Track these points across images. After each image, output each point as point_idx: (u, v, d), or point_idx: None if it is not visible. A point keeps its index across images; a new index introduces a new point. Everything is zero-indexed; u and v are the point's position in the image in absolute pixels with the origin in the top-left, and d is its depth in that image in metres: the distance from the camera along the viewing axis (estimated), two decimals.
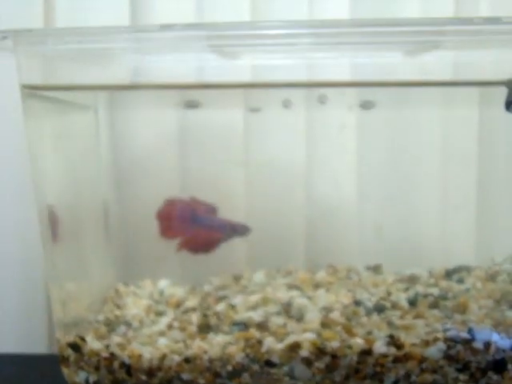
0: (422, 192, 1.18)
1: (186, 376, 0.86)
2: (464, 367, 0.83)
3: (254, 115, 1.16)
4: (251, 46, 0.97)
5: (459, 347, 0.83)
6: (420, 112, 1.15)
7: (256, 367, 0.84)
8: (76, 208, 1.00)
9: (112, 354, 0.86)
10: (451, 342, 0.83)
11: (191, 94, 1.01)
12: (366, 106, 1.10)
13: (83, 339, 0.88)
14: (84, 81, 0.92)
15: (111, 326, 0.95)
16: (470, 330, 0.84)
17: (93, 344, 0.88)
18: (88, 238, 1.04)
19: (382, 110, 1.12)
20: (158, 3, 1.16)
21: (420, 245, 1.17)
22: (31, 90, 0.85)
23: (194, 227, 1.03)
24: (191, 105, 0.99)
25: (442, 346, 0.83)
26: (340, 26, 0.90)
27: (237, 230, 1.04)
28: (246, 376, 0.85)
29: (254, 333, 0.87)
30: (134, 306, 1.02)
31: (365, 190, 1.18)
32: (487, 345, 0.83)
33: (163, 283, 1.09)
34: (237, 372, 0.85)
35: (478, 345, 0.83)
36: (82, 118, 1.03)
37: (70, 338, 0.88)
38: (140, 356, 0.86)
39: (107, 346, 0.87)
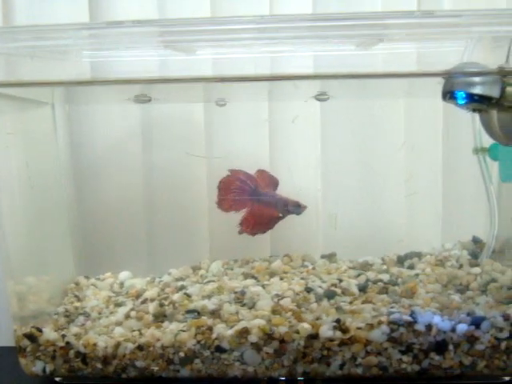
0: (386, 181, 1.20)
1: (139, 363, 0.88)
2: (407, 349, 0.86)
3: (215, 108, 1.17)
4: (205, 41, 0.99)
5: (402, 330, 0.86)
6: (383, 101, 1.18)
7: (207, 353, 0.87)
8: (35, 204, 1.01)
9: (68, 344, 0.89)
10: (394, 324, 0.86)
11: (143, 88, 1.03)
12: (323, 98, 1.11)
13: (39, 330, 0.90)
14: (41, 77, 0.94)
15: (70, 317, 0.98)
16: (412, 313, 0.87)
17: (49, 334, 0.90)
18: (48, 232, 1.06)
19: (343, 100, 1.15)
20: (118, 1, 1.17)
21: (383, 233, 1.19)
22: None
23: (252, 202, 1.01)
24: (142, 100, 1.01)
25: (385, 328, 0.86)
26: (291, 21, 0.92)
27: (289, 207, 1.01)
28: (197, 362, 0.87)
29: (206, 320, 0.90)
30: (94, 298, 1.04)
31: (327, 180, 1.20)
32: (429, 327, 0.86)
33: (124, 275, 1.11)
34: (188, 358, 0.87)
35: (420, 327, 0.86)
36: (39, 114, 1.05)
37: (27, 329, 0.90)
38: (95, 345, 0.88)
39: (63, 336, 0.90)
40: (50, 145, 1.08)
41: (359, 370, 0.87)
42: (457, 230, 1.16)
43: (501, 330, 0.86)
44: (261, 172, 1.01)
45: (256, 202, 1.00)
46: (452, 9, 1.18)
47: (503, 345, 0.86)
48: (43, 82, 0.92)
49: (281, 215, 1.01)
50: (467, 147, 1.09)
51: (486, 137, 1.02)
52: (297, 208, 1.01)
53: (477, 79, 0.81)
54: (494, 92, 0.81)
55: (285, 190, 1.19)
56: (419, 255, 1.10)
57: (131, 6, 1.19)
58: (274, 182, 1.01)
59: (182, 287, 1.03)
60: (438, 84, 0.98)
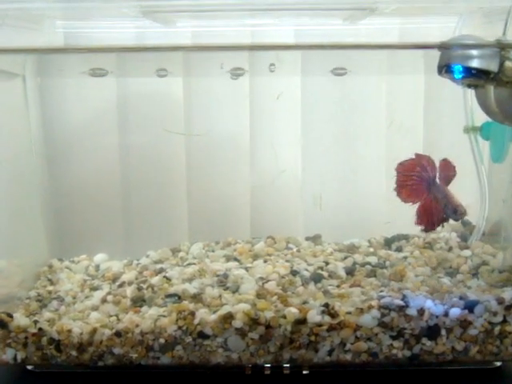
0: (369, 160, 1.16)
1: (117, 350, 0.84)
2: (398, 334, 0.83)
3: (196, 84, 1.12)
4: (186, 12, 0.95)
5: (393, 314, 0.83)
6: (365, 80, 1.14)
7: (189, 339, 0.83)
8: (5, 184, 0.96)
9: (40, 330, 0.84)
10: (385, 309, 0.83)
11: (100, 62, 0.98)
12: (341, 72, 1.05)
13: (10, 316, 0.85)
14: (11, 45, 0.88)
15: (43, 301, 0.93)
16: (403, 297, 0.84)
17: (20, 320, 0.85)
18: (19, 213, 1.01)
19: (326, 78, 1.10)
20: None
21: (366, 215, 1.16)
22: None
23: (428, 195, 0.89)
24: (98, 73, 0.96)
25: (376, 313, 0.83)
26: None
27: (456, 211, 0.87)
28: (179, 349, 0.83)
29: (187, 304, 0.85)
30: (68, 281, 1.00)
31: (308, 160, 1.16)
32: (421, 311, 0.83)
33: (99, 258, 1.06)
34: (169, 345, 0.83)
35: (412, 311, 0.83)
36: (8, 86, 0.99)
37: None
38: (69, 331, 0.84)
39: (35, 322, 0.85)
40: (20, 120, 1.02)
41: (348, 356, 0.83)
42: None
43: (494, 314, 0.83)
44: (445, 162, 0.88)
45: (431, 194, 0.88)
46: None
47: (497, 329, 0.83)
48: (12, 48, 0.87)
49: (446, 218, 0.89)
50: (455, 126, 1.06)
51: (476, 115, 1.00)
52: (460, 214, 0.88)
53: (475, 52, 0.77)
54: (493, 66, 0.77)
55: (269, 169, 1.15)
56: (407, 237, 1.07)
57: None
58: (450, 175, 0.88)
59: (161, 270, 0.98)
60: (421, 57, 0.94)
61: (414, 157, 0.88)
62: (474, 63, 0.77)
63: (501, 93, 0.81)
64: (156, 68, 0.98)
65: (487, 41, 0.79)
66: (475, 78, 0.78)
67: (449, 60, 0.78)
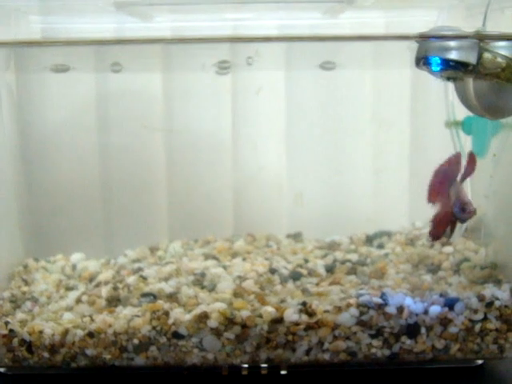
0: (353, 156, 1.15)
1: (90, 351, 0.82)
2: (377, 333, 0.81)
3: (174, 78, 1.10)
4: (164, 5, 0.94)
5: (372, 312, 0.81)
6: (350, 74, 1.12)
7: (163, 340, 0.81)
8: None
9: (11, 331, 0.82)
10: (364, 307, 0.81)
11: (61, 57, 0.95)
12: (329, 66, 1.03)
13: None
14: None
15: (16, 302, 0.91)
16: (382, 295, 0.82)
17: None
18: None
19: (310, 73, 1.09)
20: None
21: (349, 211, 1.14)
22: None
23: (447, 194, 0.81)
24: (60, 69, 0.94)
25: (354, 311, 0.81)
26: None
27: (464, 209, 0.78)
28: (153, 349, 0.81)
29: (162, 304, 0.83)
30: (43, 282, 0.97)
31: (291, 156, 1.14)
32: (400, 309, 0.81)
33: (76, 257, 1.04)
34: (143, 345, 0.81)
35: (391, 309, 0.81)
36: None
37: None
38: (41, 332, 0.81)
39: (6, 323, 0.82)
40: None
41: (326, 356, 0.82)
42: (427, 207, 1.12)
43: (475, 311, 0.81)
44: (472, 157, 0.80)
45: (448, 195, 0.80)
46: None
47: (477, 327, 0.82)
48: None
49: (454, 218, 0.80)
50: (437, 121, 1.04)
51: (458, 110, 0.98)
52: (460, 211, 0.79)
53: (453, 44, 0.75)
54: (471, 58, 0.75)
55: (251, 166, 1.13)
56: (389, 234, 1.05)
57: None
58: (471, 172, 0.80)
59: (139, 269, 0.96)
60: (407, 50, 0.92)
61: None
62: (452, 55, 0.75)
63: (480, 85, 0.79)
64: (111, 62, 0.96)
65: (465, 32, 0.77)
66: (453, 70, 0.77)
67: (426, 52, 0.76)
